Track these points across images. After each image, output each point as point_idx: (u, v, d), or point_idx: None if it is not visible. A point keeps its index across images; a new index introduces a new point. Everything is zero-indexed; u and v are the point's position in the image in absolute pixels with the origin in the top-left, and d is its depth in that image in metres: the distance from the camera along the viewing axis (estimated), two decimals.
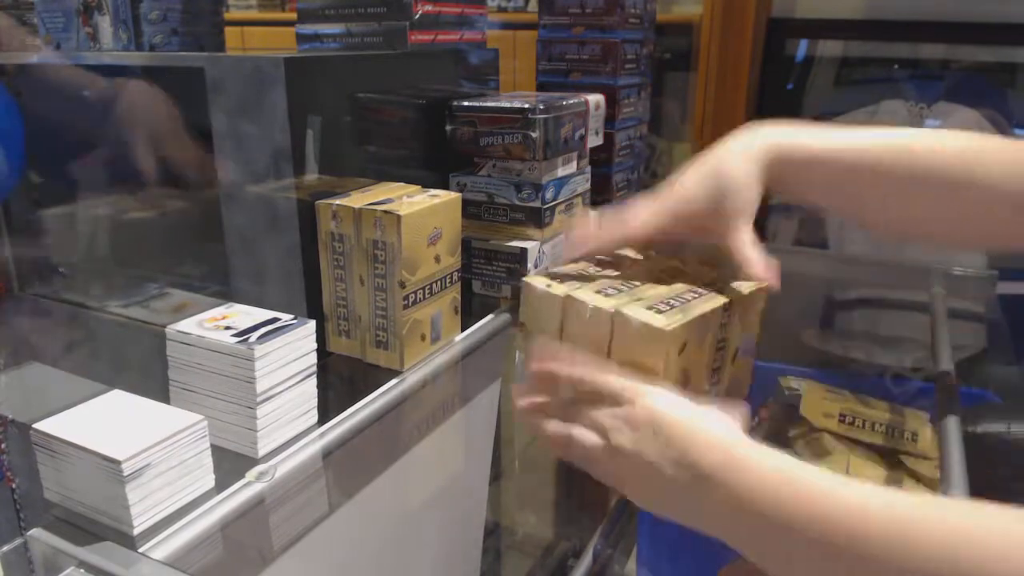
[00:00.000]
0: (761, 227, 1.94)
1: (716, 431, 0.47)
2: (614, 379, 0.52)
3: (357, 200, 0.77)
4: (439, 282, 0.81)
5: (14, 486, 0.55)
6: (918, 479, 0.89)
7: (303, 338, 0.67)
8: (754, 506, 0.43)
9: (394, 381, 0.77)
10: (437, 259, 0.80)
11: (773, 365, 1.17)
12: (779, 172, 0.59)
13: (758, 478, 0.43)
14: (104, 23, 0.92)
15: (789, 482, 0.43)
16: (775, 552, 0.43)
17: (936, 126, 1.64)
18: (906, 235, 0.64)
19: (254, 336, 0.63)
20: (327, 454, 0.68)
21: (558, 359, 0.55)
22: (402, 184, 0.85)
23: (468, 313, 0.91)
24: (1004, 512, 0.38)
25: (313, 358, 0.68)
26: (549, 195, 0.95)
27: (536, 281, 0.63)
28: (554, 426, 0.54)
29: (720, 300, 0.61)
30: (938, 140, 0.59)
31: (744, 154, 0.60)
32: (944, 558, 0.36)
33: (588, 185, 1.08)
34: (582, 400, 0.53)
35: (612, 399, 0.51)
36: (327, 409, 0.71)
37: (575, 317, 0.60)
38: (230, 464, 0.63)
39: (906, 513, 0.39)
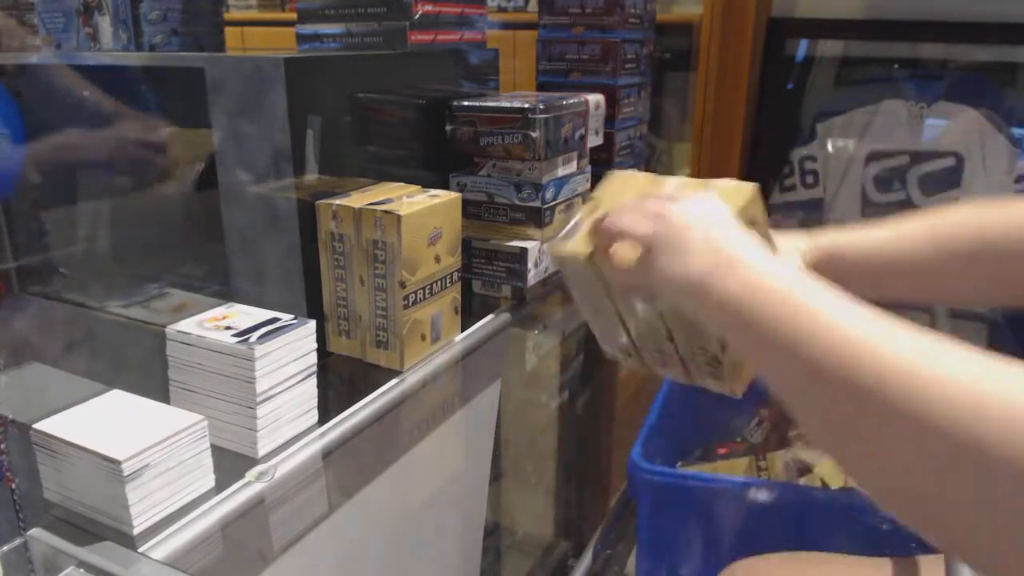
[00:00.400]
0: None
1: (752, 247, 0.51)
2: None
3: (357, 200, 0.77)
4: (439, 282, 0.81)
5: (14, 486, 0.55)
6: None
7: (303, 338, 0.67)
8: (755, 310, 0.46)
9: (394, 381, 0.77)
10: (437, 259, 0.80)
11: None
12: (821, 267, 0.66)
13: (779, 296, 0.46)
14: (104, 23, 0.92)
15: (793, 296, 0.45)
16: (762, 352, 0.47)
17: (936, 126, 1.64)
18: (943, 304, 0.69)
19: (254, 336, 0.63)
20: (327, 454, 0.68)
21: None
22: (402, 184, 0.85)
23: (468, 313, 0.91)
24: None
25: (313, 358, 0.68)
26: (549, 195, 0.95)
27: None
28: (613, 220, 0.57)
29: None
30: (956, 218, 0.64)
31: (790, 243, 0.67)
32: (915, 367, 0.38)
33: (588, 185, 1.08)
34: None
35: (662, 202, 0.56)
36: (327, 409, 0.71)
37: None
38: (230, 464, 0.63)
39: (901, 341, 0.40)
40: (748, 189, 0.62)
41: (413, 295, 0.77)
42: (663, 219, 0.54)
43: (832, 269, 0.66)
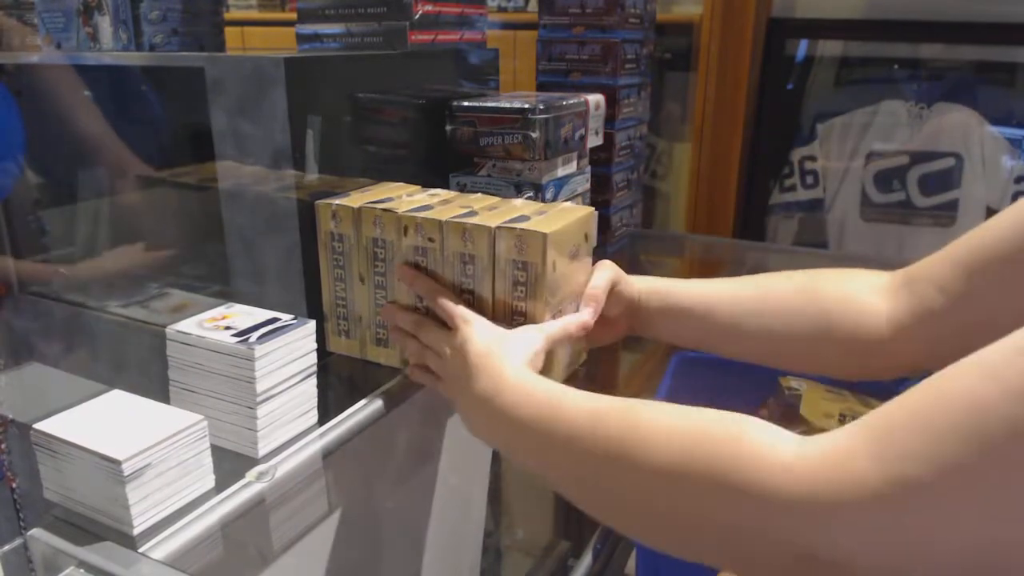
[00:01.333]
0: (761, 227, 1.94)
1: (502, 360, 0.60)
2: (450, 305, 0.67)
3: (357, 200, 0.77)
4: None
5: (14, 486, 0.55)
6: None
7: (303, 338, 0.67)
8: (512, 415, 0.56)
9: (394, 380, 0.77)
10: None
11: None
12: (652, 305, 0.73)
13: (523, 397, 0.56)
14: (104, 23, 0.92)
15: (533, 396, 0.56)
16: (525, 448, 0.57)
17: (936, 126, 1.64)
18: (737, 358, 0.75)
19: (254, 336, 0.63)
20: (327, 454, 0.68)
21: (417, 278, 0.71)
22: (402, 184, 0.85)
23: None
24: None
25: (313, 358, 0.68)
26: (549, 195, 0.95)
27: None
28: (412, 346, 0.71)
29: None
30: (751, 287, 0.70)
31: (636, 285, 0.75)
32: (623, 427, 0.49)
33: (588, 185, 1.08)
34: (428, 319, 0.70)
35: (447, 320, 0.67)
36: (327, 409, 0.71)
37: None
38: (230, 464, 0.63)
39: (596, 406, 0.52)
40: (576, 216, 0.70)
41: None
42: (441, 370, 0.67)
43: (661, 309, 0.73)
